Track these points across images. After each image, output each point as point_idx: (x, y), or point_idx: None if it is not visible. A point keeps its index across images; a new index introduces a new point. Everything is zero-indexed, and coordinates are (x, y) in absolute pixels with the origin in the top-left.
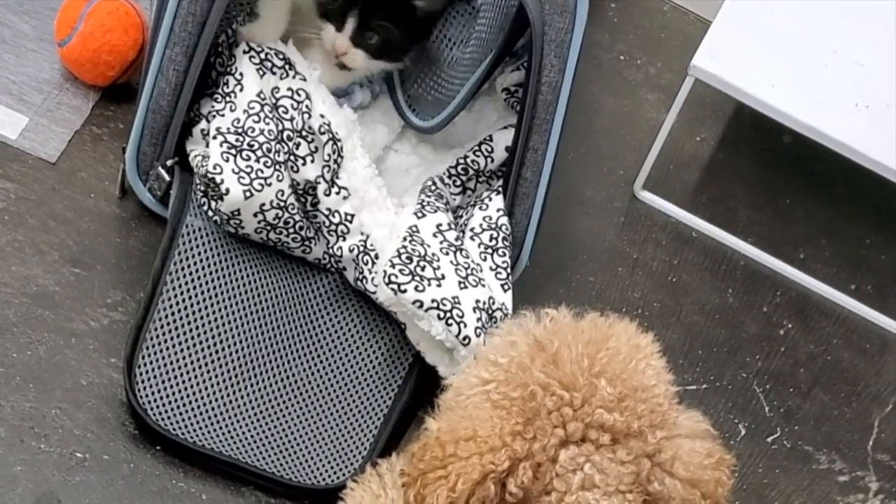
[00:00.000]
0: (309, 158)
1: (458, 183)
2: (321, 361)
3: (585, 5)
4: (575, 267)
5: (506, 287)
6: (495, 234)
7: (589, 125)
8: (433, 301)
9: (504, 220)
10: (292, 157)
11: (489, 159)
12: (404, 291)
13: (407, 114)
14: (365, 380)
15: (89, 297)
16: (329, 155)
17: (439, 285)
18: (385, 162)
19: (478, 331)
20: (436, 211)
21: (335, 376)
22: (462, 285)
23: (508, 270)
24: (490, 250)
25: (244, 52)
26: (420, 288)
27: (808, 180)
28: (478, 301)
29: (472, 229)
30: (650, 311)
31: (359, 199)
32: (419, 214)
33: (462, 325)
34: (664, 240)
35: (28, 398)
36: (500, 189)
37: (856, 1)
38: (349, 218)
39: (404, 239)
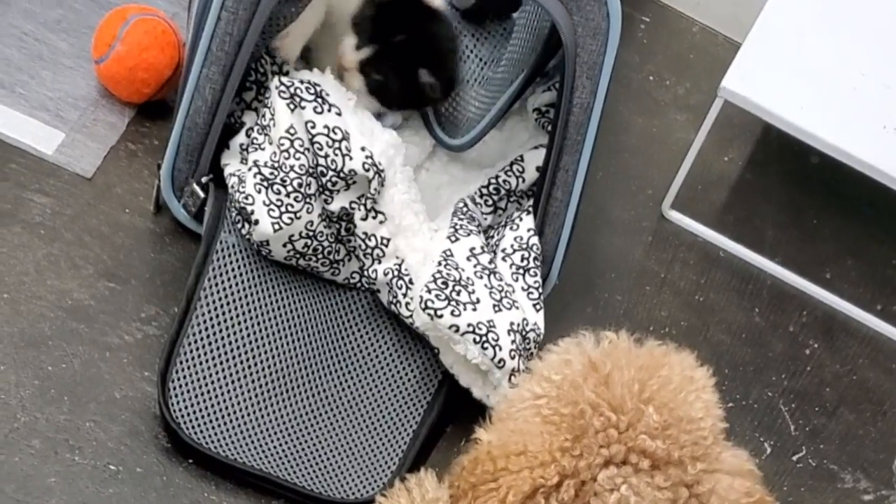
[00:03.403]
0: (343, 190)
1: (490, 202)
2: (352, 377)
3: (618, 29)
4: (603, 285)
5: (538, 307)
6: (526, 255)
7: (618, 145)
8: (469, 325)
9: (535, 239)
10: (326, 191)
11: (521, 179)
12: (441, 316)
13: (438, 132)
14: (395, 396)
15: (123, 312)
16: (373, 189)
17: (475, 309)
18: (416, 180)
19: (512, 353)
20: (468, 234)
21: (365, 392)
22: (496, 308)
23: (540, 290)
24: (522, 271)
25: (275, 87)
26: (456, 312)
27: (836, 200)
28: (512, 323)
29: (503, 250)
30: (677, 330)
31: (395, 224)
32: (452, 238)
33: (497, 348)
34: (692, 259)
35: (62, 411)
36: (531, 209)
37: (885, 24)
38: (385, 242)
39: (439, 263)
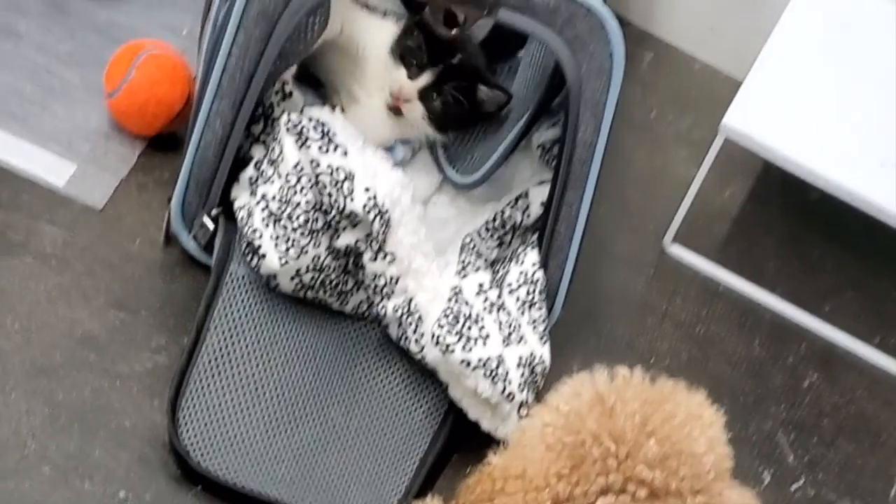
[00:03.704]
0: (349, 228)
1: (497, 236)
2: (360, 407)
3: (621, 68)
4: (605, 318)
5: (544, 340)
6: (532, 289)
7: (620, 179)
8: (479, 360)
9: (539, 273)
10: (332, 228)
11: (526, 215)
12: (452, 352)
13: (446, 169)
14: (401, 424)
15: (134, 341)
16: (376, 230)
17: (485, 344)
18: (424, 214)
19: (521, 386)
20: (477, 270)
21: (373, 421)
22: (506, 343)
23: (545, 323)
24: (527, 305)
25: (284, 123)
26: (467, 347)
27: (836, 234)
28: (521, 357)
29: (509, 284)
30: (678, 362)
31: (404, 266)
32: (462, 274)
33: (507, 382)
34: (693, 292)
35: (73, 438)
36: (535, 243)
37: (885, 63)
38: (394, 281)
39: (449, 300)
